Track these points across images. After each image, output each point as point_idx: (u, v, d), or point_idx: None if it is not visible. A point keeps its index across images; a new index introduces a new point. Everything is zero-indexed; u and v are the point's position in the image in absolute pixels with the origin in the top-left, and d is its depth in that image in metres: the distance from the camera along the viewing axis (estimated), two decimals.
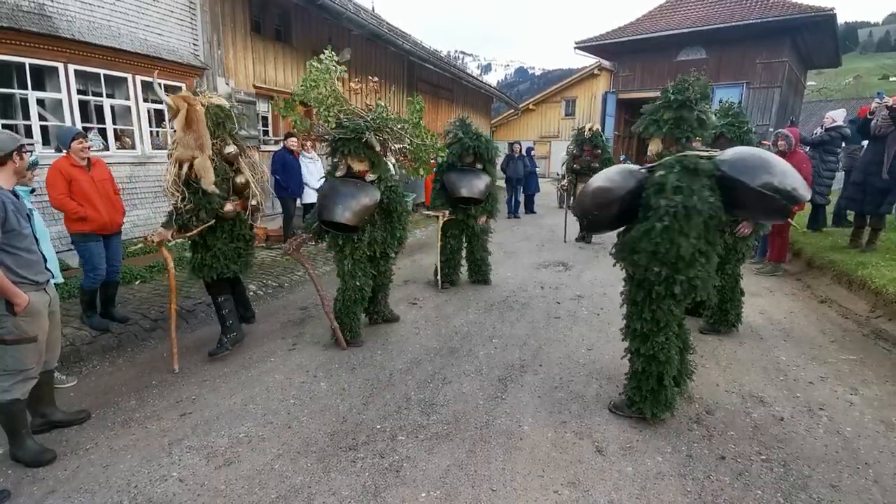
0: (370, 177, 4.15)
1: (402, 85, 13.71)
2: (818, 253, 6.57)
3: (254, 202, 4.10)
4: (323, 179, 4.38)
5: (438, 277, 6.07)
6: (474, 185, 5.67)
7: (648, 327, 2.90)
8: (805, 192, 2.52)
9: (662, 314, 2.85)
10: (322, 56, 4.23)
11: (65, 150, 4.16)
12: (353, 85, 4.49)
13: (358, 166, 4.13)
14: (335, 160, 4.22)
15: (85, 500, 2.44)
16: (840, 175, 8.80)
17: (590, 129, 8.69)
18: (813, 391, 3.50)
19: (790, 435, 2.96)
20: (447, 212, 5.78)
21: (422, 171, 5.00)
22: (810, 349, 4.23)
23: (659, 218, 2.62)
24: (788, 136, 6.16)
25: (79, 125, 5.88)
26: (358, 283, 4.20)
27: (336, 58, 4.25)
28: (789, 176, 2.52)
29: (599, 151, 8.64)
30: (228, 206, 3.89)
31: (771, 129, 15.82)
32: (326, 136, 4.20)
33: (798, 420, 3.12)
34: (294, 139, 7.70)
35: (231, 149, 3.96)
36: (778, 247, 6.64)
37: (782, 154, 6.10)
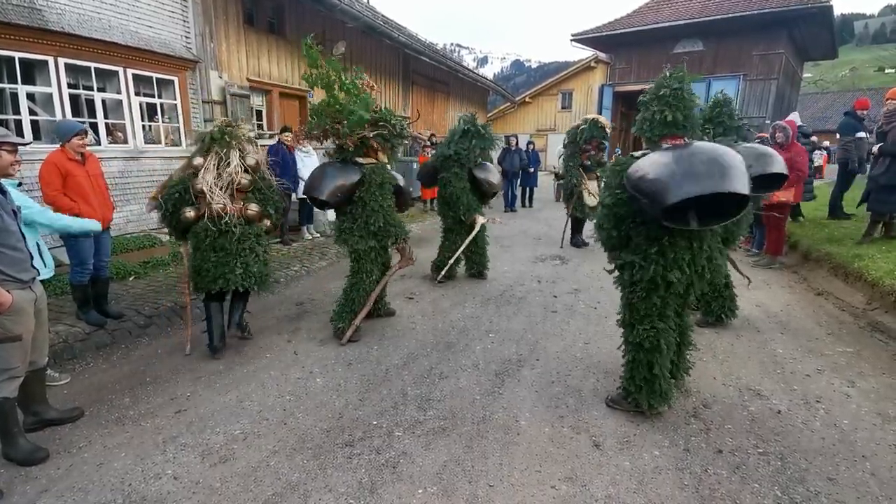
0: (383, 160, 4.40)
1: (397, 78, 13.61)
2: (815, 245, 6.58)
3: (252, 212, 3.91)
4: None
5: (444, 272, 6.03)
6: (499, 177, 6.18)
7: (629, 315, 3.01)
8: (670, 196, 2.46)
9: (639, 301, 2.92)
10: (306, 43, 4.08)
11: (60, 144, 4.05)
12: (373, 84, 4.38)
13: (373, 157, 4.33)
14: (347, 152, 4.20)
15: (78, 499, 2.42)
16: (834, 167, 8.83)
17: (592, 121, 8.18)
18: (810, 384, 3.50)
19: (787, 428, 2.95)
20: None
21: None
22: (807, 342, 4.23)
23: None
24: (786, 128, 6.15)
25: (65, 118, 5.79)
26: (374, 277, 4.35)
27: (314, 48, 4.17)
28: (656, 181, 2.54)
29: (605, 145, 8.20)
30: (187, 213, 3.79)
31: (768, 122, 15.83)
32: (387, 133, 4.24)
33: (795, 413, 3.12)
34: (289, 133, 7.62)
35: (197, 160, 3.90)
36: (774, 240, 6.64)
37: (780, 146, 6.09)
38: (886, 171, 5.78)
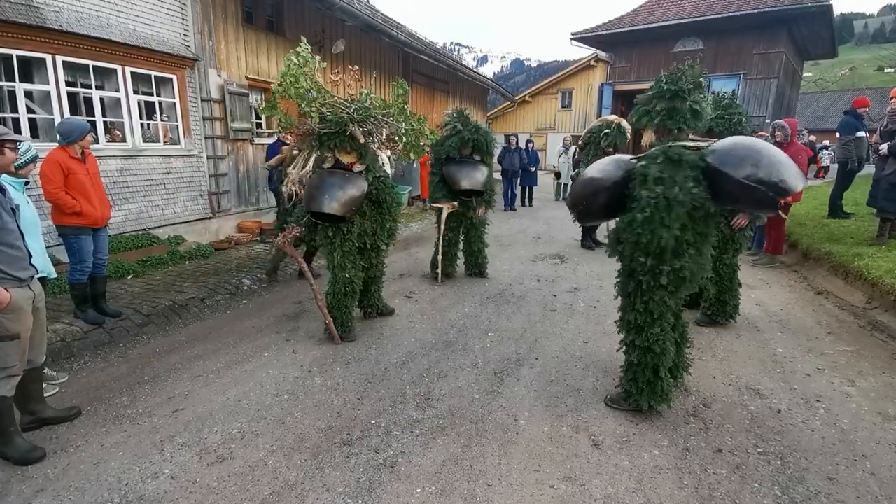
0: (358, 168, 4.14)
1: (397, 77, 13.57)
2: (815, 244, 6.56)
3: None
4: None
5: (439, 270, 6.04)
6: (474, 177, 5.71)
7: (642, 319, 2.89)
8: (795, 182, 2.42)
9: (655, 305, 2.84)
10: (299, 48, 4.18)
11: (63, 142, 4.04)
12: (332, 76, 4.46)
13: (346, 158, 4.11)
14: (320, 153, 4.19)
15: (75, 499, 2.41)
16: (833, 167, 8.79)
17: (616, 124, 7.70)
18: (810, 383, 3.49)
19: (787, 427, 2.94)
20: (454, 203, 5.87)
21: (413, 156, 4.90)
22: (807, 341, 4.22)
23: (641, 208, 2.65)
24: (785, 127, 6.14)
25: (67, 117, 5.76)
26: (348, 276, 4.17)
27: (308, 49, 4.21)
28: (777, 167, 2.45)
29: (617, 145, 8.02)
30: (281, 187, 5.13)
31: (767, 121, 15.82)
32: (311, 132, 4.15)
33: (795, 412, 3.11)
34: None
35: (294, 150, 4.91)
36: (774, 238, 6.63)
37: (779, 145, 6.09)
38: (893, 170, 5.71)
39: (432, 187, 6.02)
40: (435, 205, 5.97)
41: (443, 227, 5.94)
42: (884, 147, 5.87)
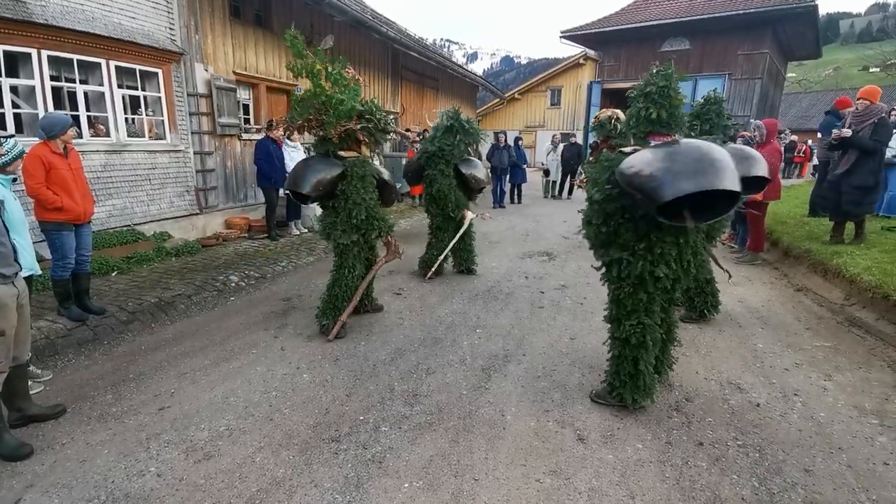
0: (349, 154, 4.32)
1: (386, 73, 13.53)
2: (795, 242, 6.69)
3: None
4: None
5: (433, 269, 6.05)
6: (485, 172, 6.11)
7: (617, 310, 3.02)
8: (666, 192, 2.39)
9: (626, 298, 2.94)
10: (289, 34, 4.05)
11: (45, 137, 4.00)
12: (357, 75, 4.39)
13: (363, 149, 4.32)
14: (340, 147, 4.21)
15: (62, 495, 2.40)
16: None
17: (609, 118, 7.84)
18: (788, 377, 3.57)
19: (766, 420, 3.02)
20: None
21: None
22: (786, 336, 4.32)
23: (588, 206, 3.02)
24: (761, 127, 6.25)
25: (49, 112, 5.67)
26: (357, 273, 4.32)
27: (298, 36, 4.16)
28: (643, 176, 2.50)
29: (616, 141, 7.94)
30: None
31: (752, 121, 16.02)
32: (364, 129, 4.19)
33: (773, 406, 3.19)
34: (278, 129, 7.57)
35: None
36: (755, 236, 6.75)
37: (757, 145, 6.20)
38: (855, 171, 5.72)
39: (454, 194, 5.78)
40: (467, 214, 5.97)
41: (460, 233, 5.96)
42: (847, 131, 5.72)
